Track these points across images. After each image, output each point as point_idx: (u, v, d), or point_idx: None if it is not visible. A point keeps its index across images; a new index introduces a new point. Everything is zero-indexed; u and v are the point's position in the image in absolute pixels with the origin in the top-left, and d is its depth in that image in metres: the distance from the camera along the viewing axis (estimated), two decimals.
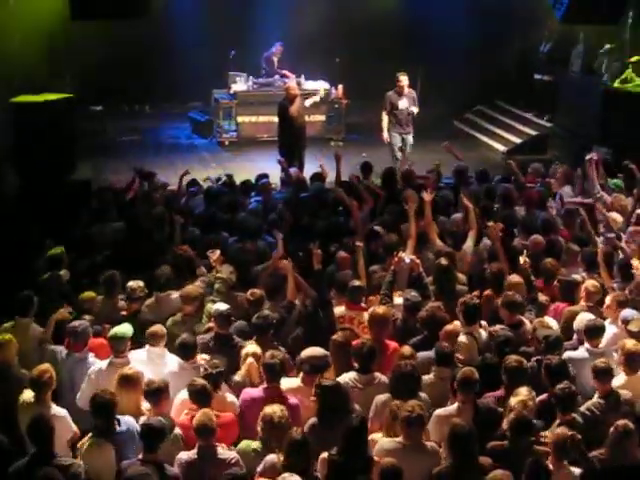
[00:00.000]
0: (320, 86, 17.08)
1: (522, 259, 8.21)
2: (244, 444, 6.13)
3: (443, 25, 18.21)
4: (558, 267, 8.44)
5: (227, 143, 16.93)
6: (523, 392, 6.22)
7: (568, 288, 8.18)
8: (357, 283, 7.79)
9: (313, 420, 6.20)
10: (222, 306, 7.39)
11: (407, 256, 8.11)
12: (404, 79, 14.03)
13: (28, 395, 6.43)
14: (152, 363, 6.96)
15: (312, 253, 8.19)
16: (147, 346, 7.06)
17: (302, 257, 8.66)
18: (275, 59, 17.69)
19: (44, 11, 14.89)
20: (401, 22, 18.92)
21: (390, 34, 18.91)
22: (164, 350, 7.06)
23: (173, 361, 6.99)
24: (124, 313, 7.79)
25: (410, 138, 14.12)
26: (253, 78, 17.29)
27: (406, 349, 6.90)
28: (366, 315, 7.41)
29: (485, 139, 18.14)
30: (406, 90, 14.04)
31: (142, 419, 6.21)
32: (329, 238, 9.21)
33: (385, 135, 14.05)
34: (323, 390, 6.17)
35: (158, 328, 7.10)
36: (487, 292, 8.03)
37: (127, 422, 6.18)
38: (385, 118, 14.03)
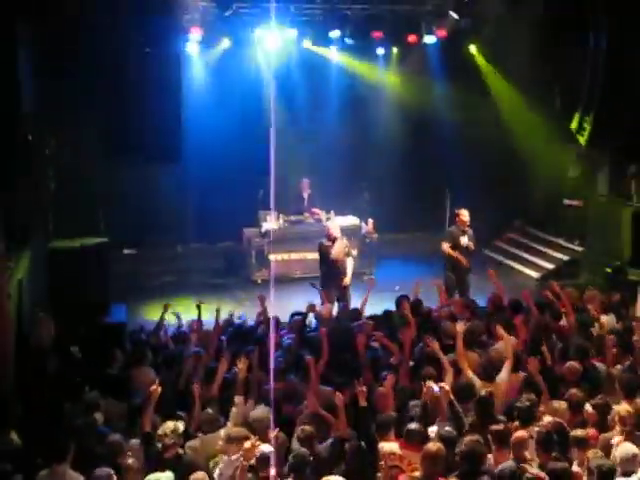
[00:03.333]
0: (350, 221, 17.36)
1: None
2: None
3: (469, 156, 18.64)
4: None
5: (259, 281, 17.11)
6: None
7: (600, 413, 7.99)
8: (415, 426, 7.71)
9: None
10: (266, 448, 7.25)
11: (436, 385, 8.05)
12: (466, 214, 14.03)
13: None
14: None
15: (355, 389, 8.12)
16: None
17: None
18: (305, 195, 18.03)
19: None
20: (427, 156, 19.33)
21: (416, 168, 19.31)
22: None
23: None
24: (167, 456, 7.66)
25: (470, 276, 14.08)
26: (283, 216, 17.60)
27: None
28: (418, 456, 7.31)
29: (517, 266, 18.20)
30: (467, 228, 14.06)
31: None
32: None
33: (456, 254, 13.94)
34: None
35: (201, 475, 7.00)
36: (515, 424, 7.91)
37: None
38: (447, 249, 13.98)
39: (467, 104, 19.01)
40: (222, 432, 7.90)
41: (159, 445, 7.67)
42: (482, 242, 18.57)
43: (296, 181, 18.01)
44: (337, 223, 14.80)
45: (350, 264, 14.00)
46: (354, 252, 14.34)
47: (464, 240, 13.90)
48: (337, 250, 13.79)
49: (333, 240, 13.91)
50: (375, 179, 18.98)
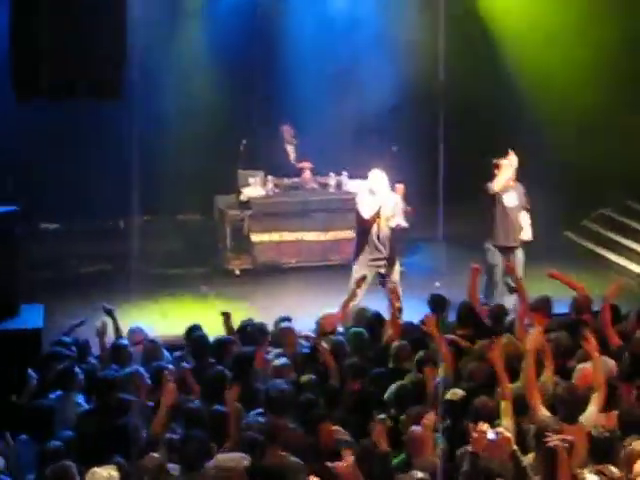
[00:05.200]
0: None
1: None
2: None
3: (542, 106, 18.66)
4: None
5: (238, 272, 17.06)
6: None
7: None
8: (420, 476, 7.68)
9: None
10: None
11: (492, 430, 7.90)
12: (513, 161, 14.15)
13: None
14: None
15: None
16: None
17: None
18: (289, 147, 17.88)
19: None
20: (485, 102, 19.30)
21: (469, 117, 19.27)
22: None
23: None
24: None
25: (520, 254, 14.22)
26: (273, 178, 17.50)
27: None
28: None
29: (613, 257, 18.21)
30: (513, 182, 14.20)
31: None
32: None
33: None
34: None
35: None
36: None
37: None
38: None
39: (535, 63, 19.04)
40: None
41: None
42: (562, 221, 18.63)
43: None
44: (380, 173, 14.79)
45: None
46: (393, 220, 14.29)
47: (511, 200, 14.09)
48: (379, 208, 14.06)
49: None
50: (409, 136, 18.87)
